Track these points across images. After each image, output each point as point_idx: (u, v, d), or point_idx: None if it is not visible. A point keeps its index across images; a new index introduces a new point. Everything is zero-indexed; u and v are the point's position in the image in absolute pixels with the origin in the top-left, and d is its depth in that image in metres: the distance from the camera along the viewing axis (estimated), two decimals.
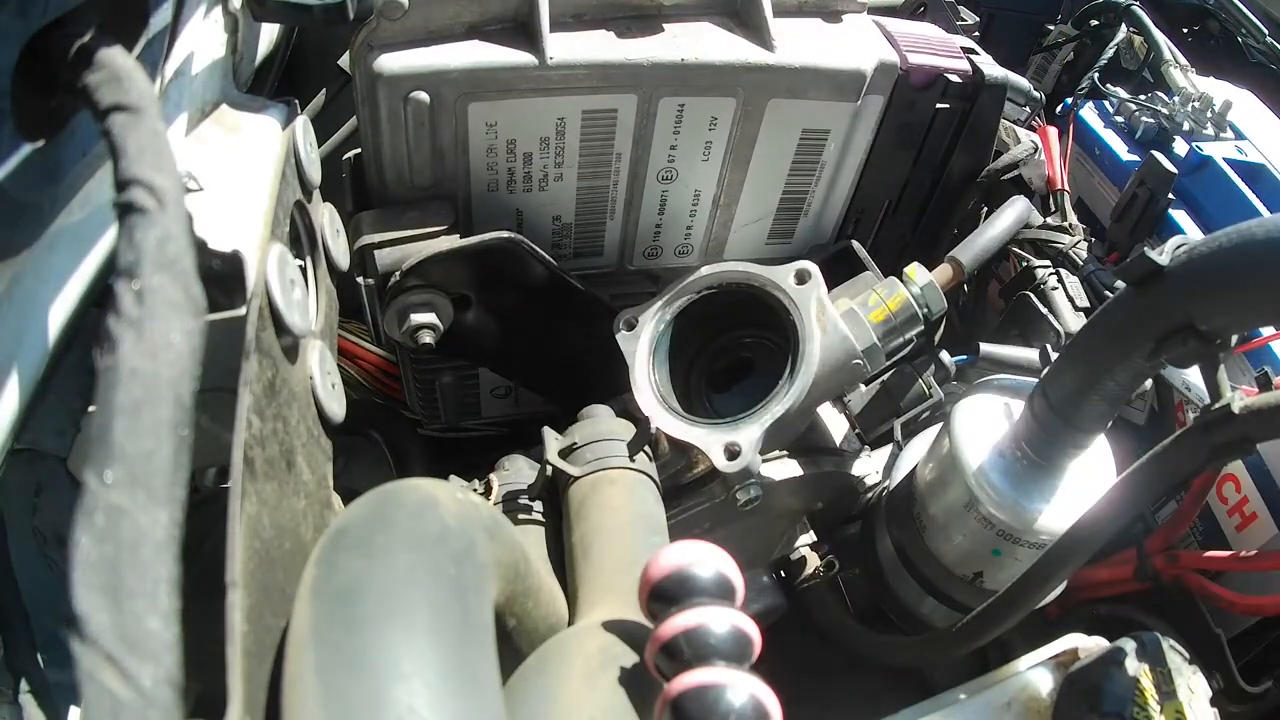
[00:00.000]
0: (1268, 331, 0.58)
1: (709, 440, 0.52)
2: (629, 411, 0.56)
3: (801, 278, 0.54)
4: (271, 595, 0.29)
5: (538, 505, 0.52)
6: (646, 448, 0.52)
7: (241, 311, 0.34)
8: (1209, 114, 0.78)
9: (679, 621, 0.28)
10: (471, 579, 0.29)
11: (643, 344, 0.57)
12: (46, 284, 0.30)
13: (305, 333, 0.37)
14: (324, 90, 0.61)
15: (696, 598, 0.29)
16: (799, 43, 0.54)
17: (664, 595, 0.29)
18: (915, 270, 0.56)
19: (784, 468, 0.57)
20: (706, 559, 0.30)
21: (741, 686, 0.26)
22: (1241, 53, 0.98)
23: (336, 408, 0.40)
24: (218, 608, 0.26)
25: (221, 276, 0.34)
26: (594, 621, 0.38)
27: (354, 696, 0.23)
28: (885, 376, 0.60)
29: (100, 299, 0.33)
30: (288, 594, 0.30)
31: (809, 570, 0.61)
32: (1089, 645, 0.45)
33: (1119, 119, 0.82)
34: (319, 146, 0.57)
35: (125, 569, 0.18)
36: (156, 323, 0.20)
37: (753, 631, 0.28)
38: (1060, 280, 0.64)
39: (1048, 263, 0.66)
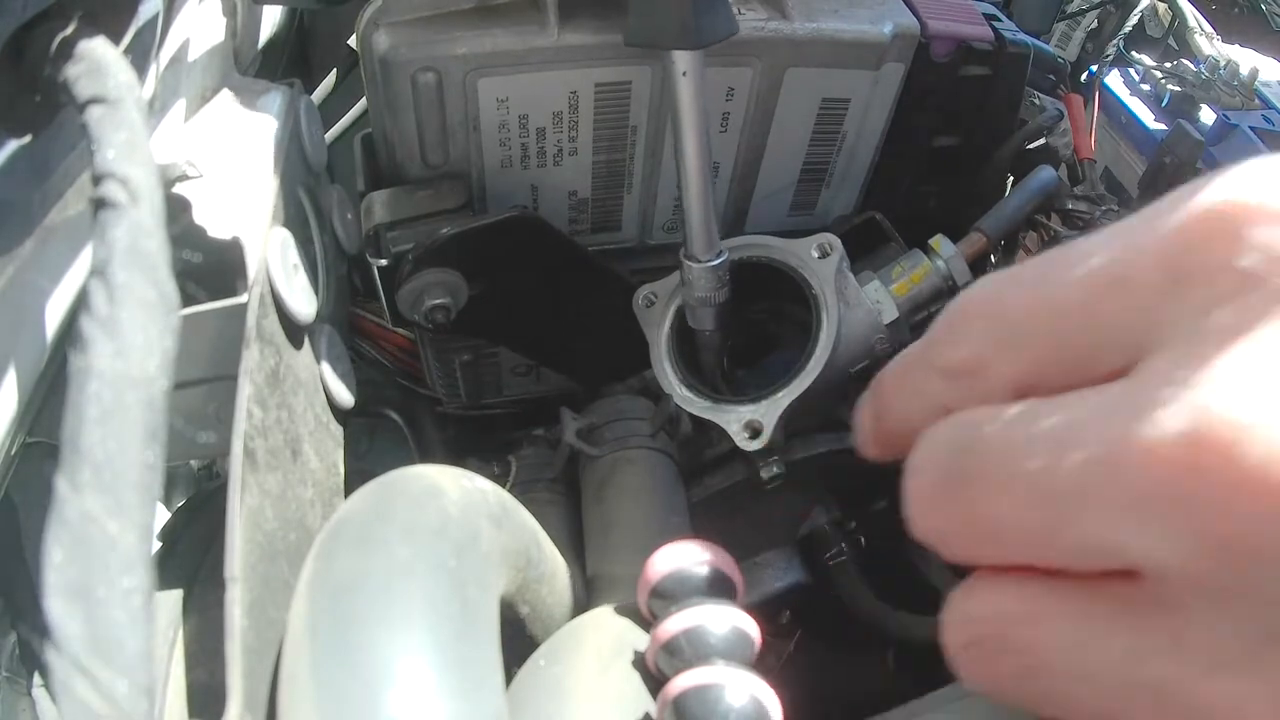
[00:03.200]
0: None
1: (730, 418, 0.52)
2: (649, 389, 0.55)
3: (824, 250, 0.53)
4: (275, 589, 0.29)
5: (557, 486, 0.52)
6: (667, 426, 0.52)
7: (242, 299, 0.33)
8: (1235, 82, 0.75)
9: (679, 621, 0.27)
10: (473, 570, 0.29)
11: (662, 320, 0.56)
12: (41, 280, 0.30)
13: (310, 318, 0.37)
14: (334, 71, 0.60)
15: (696, 596, 0.28)
16: (816, 10, 0.53)
17: (664, 594, 0.29)
18: (940, 242, 0.55)
19: (807, 444, 0.56)
20: (706, 557, 0.29)
21: (742, 686, 0.25)
22: (1266, 20, 0.95)
23: (346, 393, 0.40)
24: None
25: (222, 264, 0.34)
26: (609, 607, 0.37)
27: (347, 695, 0.23)
28: None
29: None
30: (292, 586, 0.29)
31: (834, 548, 0.60)
32: None
33: (1145, 87, 0.79)
34: (332, 128, 0.57)
35: (96, 577, 0.18)
36: (127, 322, 0.20)
37: (753, 630, 0.28)
38: None
39: (1076, 234, 0.64)
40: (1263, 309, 0.19)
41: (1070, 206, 0.67)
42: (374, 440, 0.70)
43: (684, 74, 0.44)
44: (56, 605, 0.18)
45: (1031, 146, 0.67)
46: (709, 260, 0.49)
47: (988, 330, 0.24)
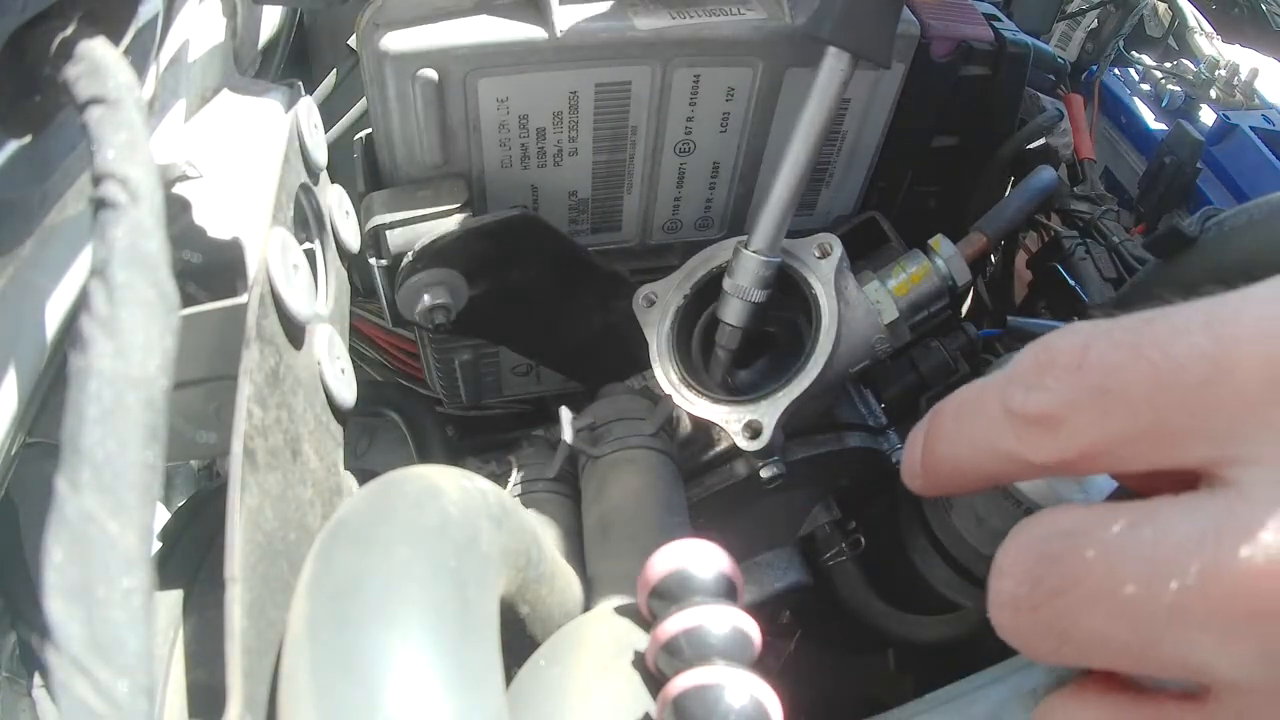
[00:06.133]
0: None
1: (730, 418, 0.52)
2: (649, 389, 0.55)
3: (824, 250, 0.53)
4: (275, 589, 0.29)
5: (557, 486, 0.52)
6: (666, 426, 0.52)
7: (242, 299, 0.33)
8: (1235, 82, 0.75)
9: (679, 621, 0.27)
10: (473, 571, 0.29)
11: (662, 320, 0.56)
12: (42, 280, 0.30)
13: (310, 318, 0.36)
14: (334, 71, 0.60)
15: (696, 596, 0.28)
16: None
17: (664, 594, 0.29)
18: (940, 242, 0.55)
19: (807, 444, 0.56)
20: (706, 557, 0.29)
21: (742, 686, 0.25)
22: (1266, 20, 0.94)
23: (347, 393, 0.40)
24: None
25: (222, 264, 0.34)
26: (608, 608, 0.37)
27: (347, 695, 0.23)
28: (910, 350, 0.59)
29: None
30: (292, 586, 0.29)
31: (834, 548, 0.60)
32: None
33: (1145, 87, 0.79)
34: (332, 127, 0.57)
35: (96, 577, 0.18)
36: (126, 322, 0.20)
37: (753, 630, 0.28)
38: (1088, 251, 0.62)
39: (1075, 234, 0.64)
40: None
41: (1070, 206, 0.67)
42: (374, 440, 0.70)
43: (842, 81, 0.47)
44: (56, 605, 0.18)
45: (1031, 146, 0.67)
46: (765, 255, 0.49)
47: (1079, 385, 0.23)
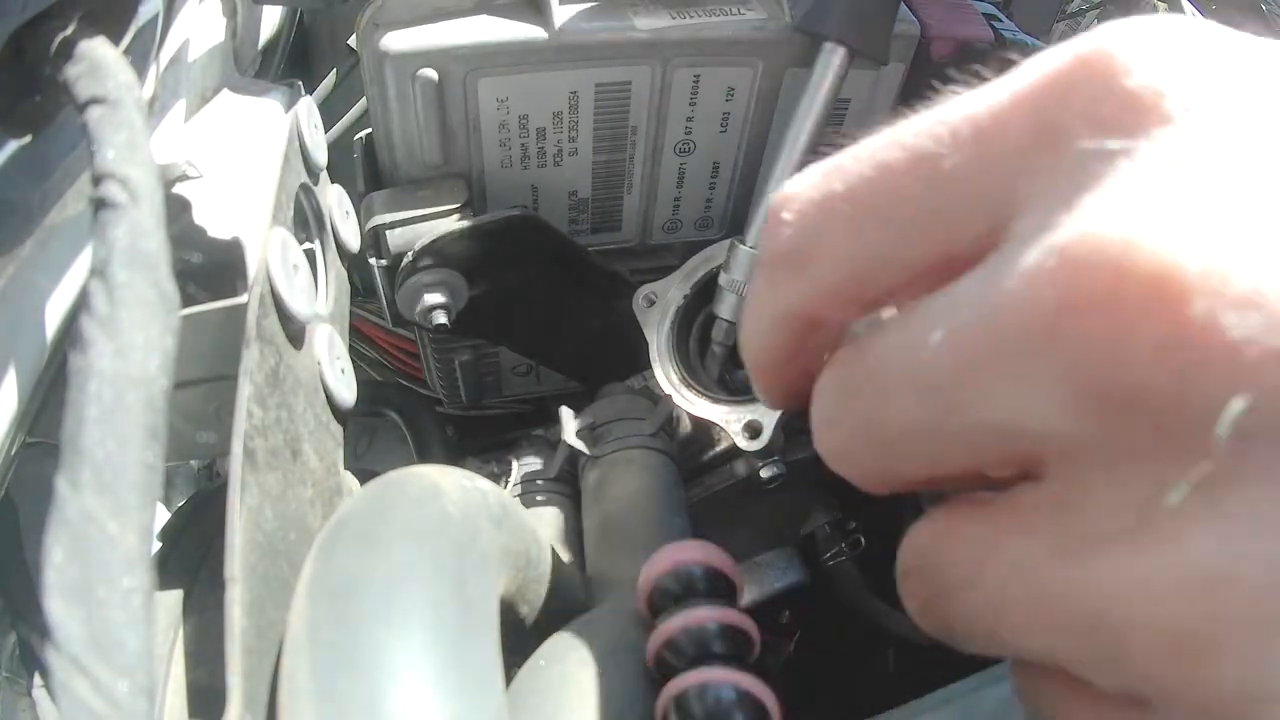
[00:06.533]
0: None
1: (730, 418, 0.52)
2: (649, 389, 0.55)
3: None
4: (275, 588, 0.29)
5: (557, 486, 0.52)
6: (666, 426, 0.52)
7: (242, 299, 0.33)
8: None
9: (678, 620, 0.27)
10: (474, 571, 0.29)
11: (662, 320, 0.56)
12: (41, 280, 0.30)
13: (310, 318, 0.37)
14: (334, 71, 0.60)
15: (696, 596, 0.28)
16: None
17: (664, 594, 0.29)
18: None
19: (807, 444, 0.56)
20: (706, 557, 0.29)
21: (741, 685, 0.25)
22: (1266, 20, 0.94)
23: (346, 393, 0.40)
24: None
25: (222, 264, 0.34)
26: (608, 608, 0.37)
27: (347, 695, 0.23)
28: None
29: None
30: (292, 586, 0.29)
31: (834, 548, 0.60)
32: None
33: None
34: (332, 127, 0.57)
35: (96, 577, 0.18)
36: (127, 322, 0.20)
37: (753, 630, 0.28)
38: None
39: None
40: (1142, 147, 0.17)
41: None
42: (374, 440, 0.70)
43: (838, 76, 0.48)
44: (56, 605, 0.18)
45: None
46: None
47: (807, 209, 0.21)
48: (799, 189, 0.21)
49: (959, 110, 0.20)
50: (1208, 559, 0.15)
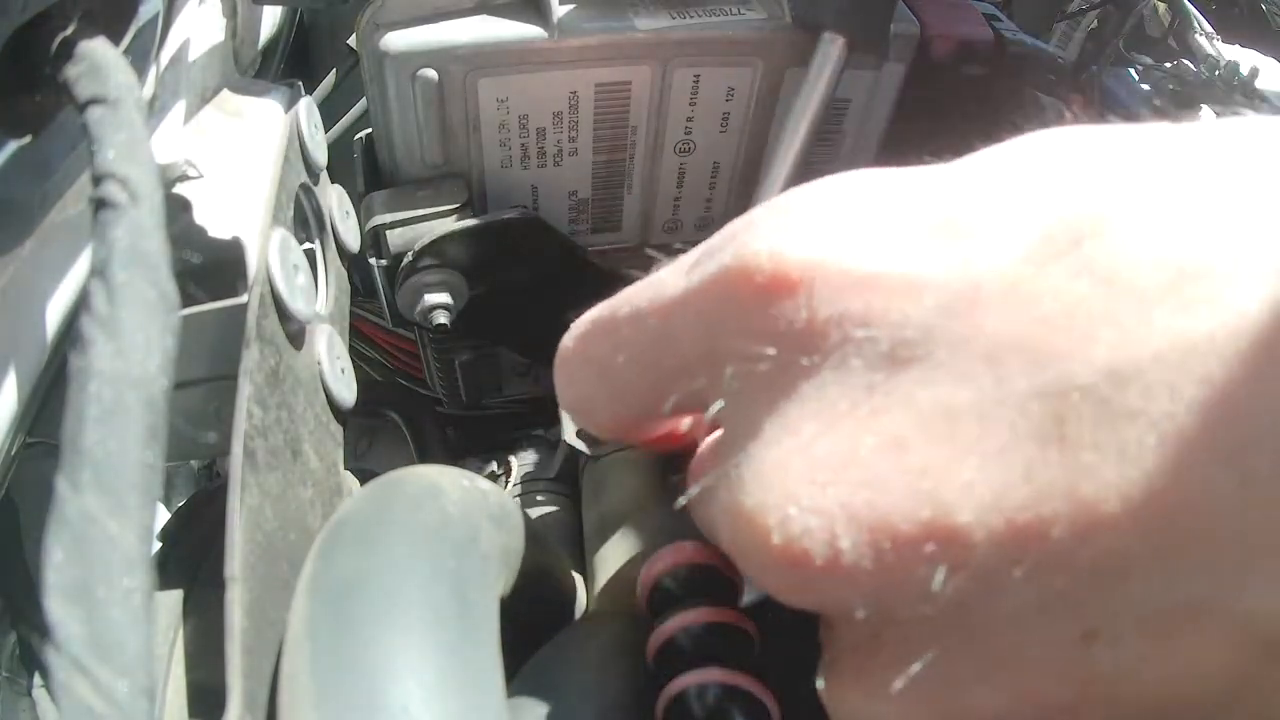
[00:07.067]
0: None
1: None
2: None
3: None
4: (275, 589, 0.29)
5: (557, 486, 0.52)
6: None
7: (243, 299, 0.33)
8: (1235, 82, 0.75)
9: (678, 620, 0.27)
10: (473, 571, 0.29)
11: None
12: (41, 280, 0.30)
13: (310, 318, 0.37)
14: (334, 71, 0.60)
15: (696, 596, 0.28)
16: None
17: (663, 593, 0.29)
18: None
19: None
20: (707, 557, 0.29)
21: (741, 686, 0.25)
22: (1266, 20, 0.94)
23: (346, 393, 0.40)
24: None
25: (222, 264, 0.34)
26: (607, 609, 0.37)
27: (348, 696, 0.23)
28: None
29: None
30: (292, 586, 0.29)
31: None
32: None
33: (1145, 87, 0.79)
34: (332, 127, 0.57)
35: (96, 577, 0.18)
36: (127, 322, 0.20)
37: (753, 630, 0.28)
38: None
39: None
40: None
41: None
42: (374, 440, 0.70)
43: (836, 69, 0.48)
44: (56, 605, 0.18)
45: None
46: None
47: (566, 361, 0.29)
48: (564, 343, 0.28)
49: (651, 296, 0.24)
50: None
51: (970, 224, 0.18)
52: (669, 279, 0.23)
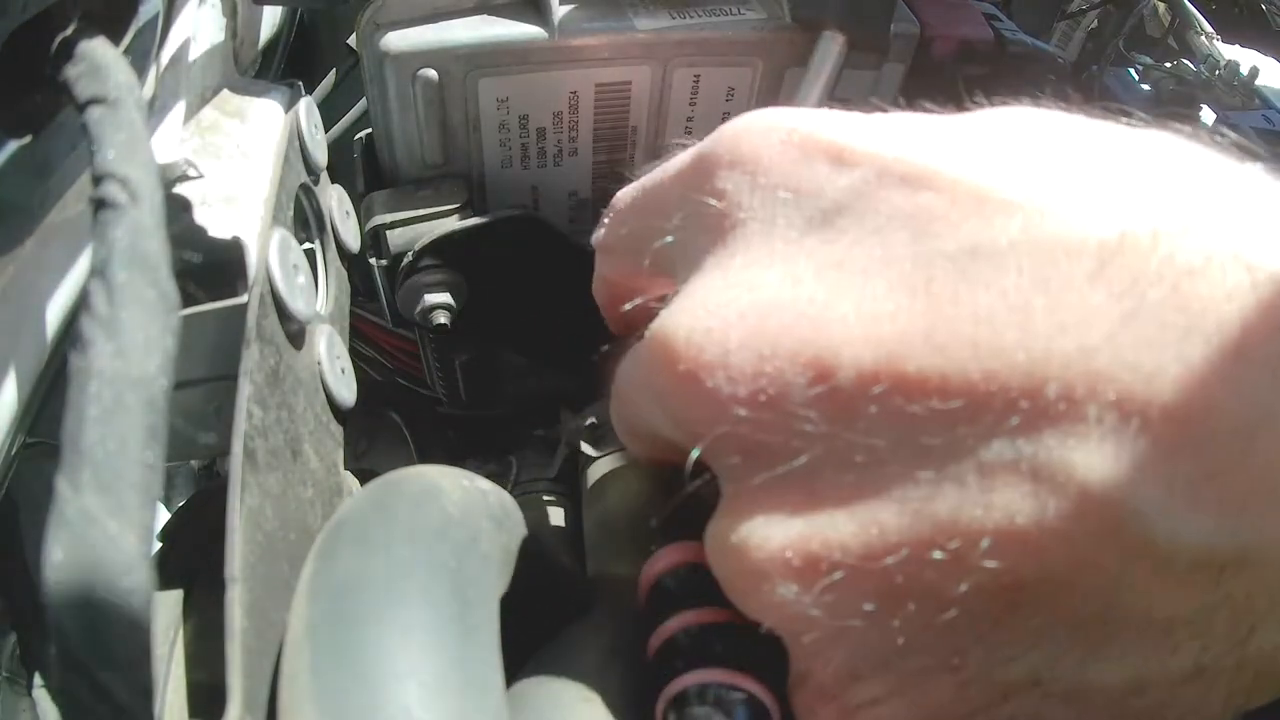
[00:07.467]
0: None
1: None
2: None
3: None
4: (275, 589, 0.29)
5: (557, 486, 0.52)
6: None
7: (243, 299, 0.33)
8: (1235, 82, 0.75)
9: (678, 620, 0.27)
10: (474, 571, 0.29)
11: None
12: (41, 281, 0.30)
13: (311, 318, 0.37)
14: (334, 71, 0.60)
15: (697, 596, 0.28)
16: None
17: (664, 593, 0.29)
18: None
19: None
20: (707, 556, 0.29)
21: (742, 686, 0.25)
22: (1266, 20, 0.94)
23: (346, 393, 0.40)
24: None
25: (222, 264, 0.34)
26: (609, 607, 0.37)
27: (348, 696, 0.23)
28: None
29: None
30: (292, 586, 0.29)
31: None
32: None
33: (1145, 87, 0.79)
34: (332, 127, 0.57)
35: (96, 577, 0.18)
36: (127, 322, 0.20)
37: (753, 630, 0.28)
38: None
39: None
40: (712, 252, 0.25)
41: None
42: (374, 440, 0.70)
43: (835, 65, 0.49)
44: (56, 605, 0.18)
45: None
46: None
47: (616, 216, 0.32)
48: (616, 199, 0.33)
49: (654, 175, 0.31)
50: None
51: (893, 134, 0.23)
52: (665, 165, 0.29)
